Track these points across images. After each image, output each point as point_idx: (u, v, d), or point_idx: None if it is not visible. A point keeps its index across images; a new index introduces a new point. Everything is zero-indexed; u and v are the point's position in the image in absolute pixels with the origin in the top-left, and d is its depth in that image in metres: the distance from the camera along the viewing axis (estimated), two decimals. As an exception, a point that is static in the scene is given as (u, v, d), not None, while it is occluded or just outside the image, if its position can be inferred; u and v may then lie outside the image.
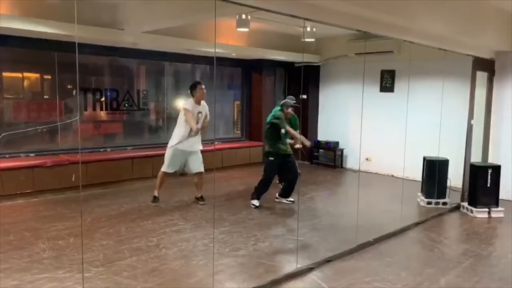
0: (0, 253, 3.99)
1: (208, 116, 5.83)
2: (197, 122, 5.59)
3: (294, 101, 5.96)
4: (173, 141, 5.67)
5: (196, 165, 5.78)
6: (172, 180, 6.22)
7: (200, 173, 5.84)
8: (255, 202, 5.85)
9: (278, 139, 5.85)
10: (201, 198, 5.90)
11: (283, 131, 5.79)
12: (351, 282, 3.66)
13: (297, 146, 6.13)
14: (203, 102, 5.72)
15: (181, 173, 6.09)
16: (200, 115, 5.67)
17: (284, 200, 6.11)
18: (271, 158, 5.86)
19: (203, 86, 5.67)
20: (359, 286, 3.59)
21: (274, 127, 5.84)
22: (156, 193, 5.76)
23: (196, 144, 5.73)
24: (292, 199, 6.10)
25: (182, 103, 5.63)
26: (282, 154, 5.84)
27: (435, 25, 4.75)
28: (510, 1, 5.30)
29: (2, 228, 4.65)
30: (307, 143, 6.04)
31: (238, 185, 6.75)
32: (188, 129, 5.57)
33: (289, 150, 5.94)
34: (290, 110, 5.87)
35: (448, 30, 5.01)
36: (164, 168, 5.72)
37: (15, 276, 3.53)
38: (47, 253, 4.04)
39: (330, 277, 3.75)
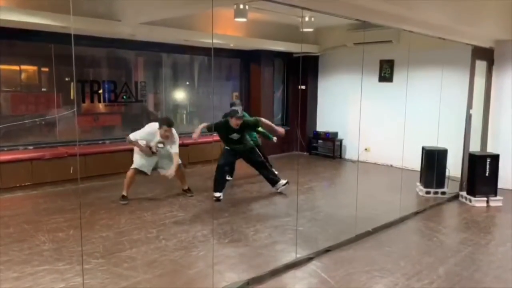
0: (0, 245, 4.00)
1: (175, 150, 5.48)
2: (153, 149, 5.48)
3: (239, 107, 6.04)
4: (136, 162, 5.53)
5: (170, 164, 5.50)
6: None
7: (177, 166, 5.64)
8: (216, 194, 5.64)
9: (229, 143, 5.85)
10: (189, 190, 5.88)
11: (234, 137, 5.73)
12: (350, 271, 3.68)
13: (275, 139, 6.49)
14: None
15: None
16: (160, 145, 5.47)
17: (278, 189, 6.03)
18: (227, 148, 5.93)
19: (173, 129, 5.44)
20: (358, 275, 3.61)
21: (220, 134, 5.86)
22: (125, 192, 5.51)
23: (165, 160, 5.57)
24: (284, 181, 6.02)
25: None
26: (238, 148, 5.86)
27: (435, 14, 4.72)
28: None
29: (1, 221, 4.67)
30: (281, 130, 6.02)
31: (236, 176, 6.75)
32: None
33: (249, 145, 5.91)
34: (238, 121, 5.63)
35: (447, 19, 4.98)
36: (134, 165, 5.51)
37: (15, 268, 3.55)
38: (47, 245, 4.05)
39: (329, 266, 3.77)
